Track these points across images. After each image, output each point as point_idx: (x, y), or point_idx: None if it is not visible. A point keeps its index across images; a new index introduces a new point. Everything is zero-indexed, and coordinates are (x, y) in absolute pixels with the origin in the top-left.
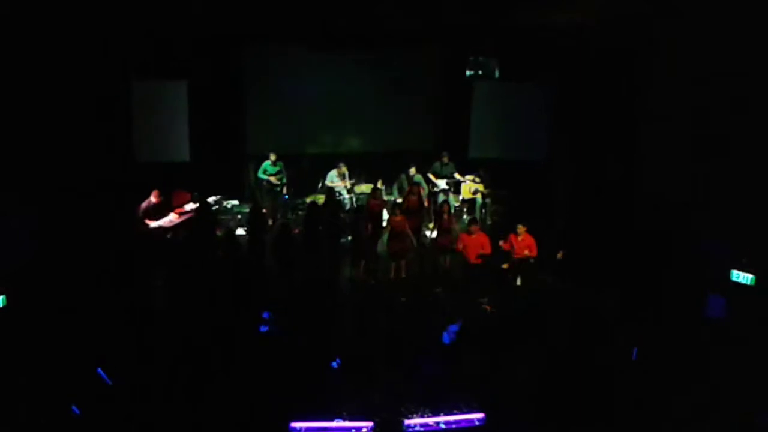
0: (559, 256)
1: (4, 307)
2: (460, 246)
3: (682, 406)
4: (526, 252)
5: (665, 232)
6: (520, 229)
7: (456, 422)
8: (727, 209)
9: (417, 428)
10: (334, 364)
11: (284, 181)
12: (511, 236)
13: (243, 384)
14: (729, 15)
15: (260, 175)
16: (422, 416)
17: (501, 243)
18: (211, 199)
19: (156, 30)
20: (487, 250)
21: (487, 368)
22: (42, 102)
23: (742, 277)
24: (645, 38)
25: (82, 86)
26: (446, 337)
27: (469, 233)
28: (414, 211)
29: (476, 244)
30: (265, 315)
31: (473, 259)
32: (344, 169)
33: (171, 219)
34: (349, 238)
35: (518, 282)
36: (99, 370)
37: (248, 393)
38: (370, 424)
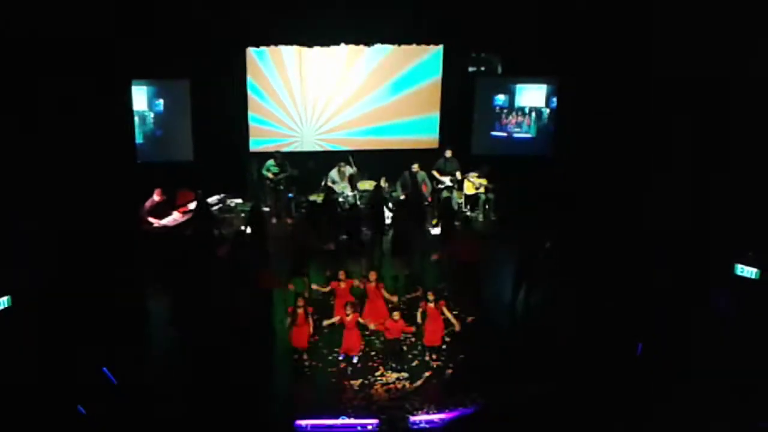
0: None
1: (8, 307)
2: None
3: (685, 403)
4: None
5: (672, 227)
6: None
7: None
8: (733, 203)
9: (422, 425)
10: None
11: (290, 176)
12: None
13: (247, 381)
14: None
15: (264, 173)
16: (427, 413)
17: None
18: (214, 198)
19: (158, 30)
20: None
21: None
22: (41, 103)
23: (746, 271)
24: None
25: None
26: None
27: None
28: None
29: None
30: None
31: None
32: (344, 168)
33: (174, 218)
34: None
35: None
36: (104, 369)
37: (253, 391)
38: (375, 421)
